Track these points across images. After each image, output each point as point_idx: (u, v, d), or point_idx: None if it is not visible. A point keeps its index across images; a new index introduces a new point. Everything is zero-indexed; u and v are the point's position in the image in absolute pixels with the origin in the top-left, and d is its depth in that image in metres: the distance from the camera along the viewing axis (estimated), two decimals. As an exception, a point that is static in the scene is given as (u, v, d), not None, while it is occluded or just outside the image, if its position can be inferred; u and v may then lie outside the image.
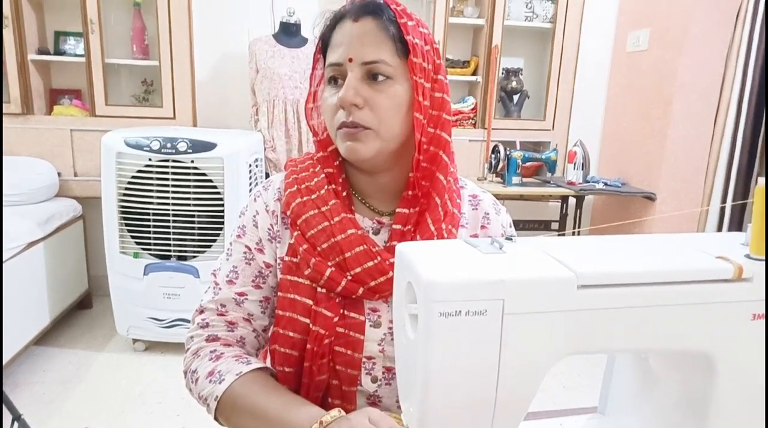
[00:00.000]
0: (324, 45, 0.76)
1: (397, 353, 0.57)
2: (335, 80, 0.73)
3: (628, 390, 0.67)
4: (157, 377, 2.21)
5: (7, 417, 1.51)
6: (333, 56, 0.73)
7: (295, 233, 0.77)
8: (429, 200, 0.76)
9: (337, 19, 0.75)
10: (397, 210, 0.77)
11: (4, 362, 1.93)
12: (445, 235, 0.76)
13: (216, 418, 0.72)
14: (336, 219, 0.75)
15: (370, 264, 0.74)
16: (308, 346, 0.74)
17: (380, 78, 0.71)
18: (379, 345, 0.76)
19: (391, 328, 0.76)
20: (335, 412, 0.63)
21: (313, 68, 0.80)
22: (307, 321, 0.75)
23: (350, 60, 0.70)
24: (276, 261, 0.80)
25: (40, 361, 2.28)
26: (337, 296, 0.75)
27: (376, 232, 0.80)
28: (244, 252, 0.80)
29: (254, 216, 0.81)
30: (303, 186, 0.78)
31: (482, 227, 0.83)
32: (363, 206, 0.81)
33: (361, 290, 0.74)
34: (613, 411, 0.70)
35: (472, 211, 0.83)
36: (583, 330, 0.49)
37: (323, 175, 0.79)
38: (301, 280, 0.76)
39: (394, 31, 0.71)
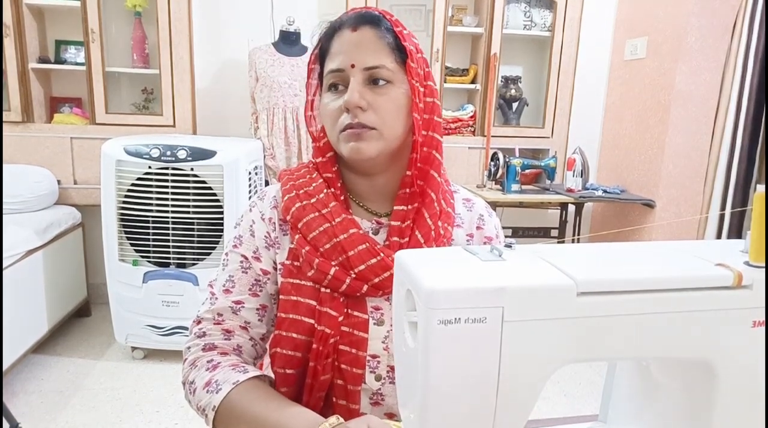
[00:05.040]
0: (321, 54, 0.79)
1: (397, 361, 0.57)
2: (335, 86, 0.76)
3: (629, 398, 0.66)
4: (156, 385, 2.20)
5: (5, 426, 1.50)
6: (333, 63, 0.75)
7: (297, 236, 0.78)
8: (424, 196, 0.79)
9: (334, 29, 0.77)
10: (395, 207, 0.80)
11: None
12: (441, 232, 0.79)
13: None
14: (337, 219, 0.77)
15: (373, 261, 0.75)
16: (313, 346, 0.75)
17: (381, 82, 0.74)
18: (383, 342, 0.77)
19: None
20: (333, 419, 0.63)
21: (309, 77, 0.82)
22: (312, 321, 0.75)
23: (352, 66, 0.73)
24: (276, 267, 0.81)
25: (38, 370, 2.27)
26: (340, 295, 0.76)
27: (375, 232, 0.82)
28: (241, 261, 0.81)
29: (251, 226, 0.82)
30: (302, 191, 0.80)
31: (478, 228, 0.86)
32: (360, 209, 0.83)
33: (365, 287, 0.76)
34: (614, 419, 0.69)
35: (467, 213, 0.86)
36: (583, 338, 0.49)
37: (321, 180, 0.81)
38: (303, 282, 0.77)
39: (390, 39, 0.75)
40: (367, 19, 0.75)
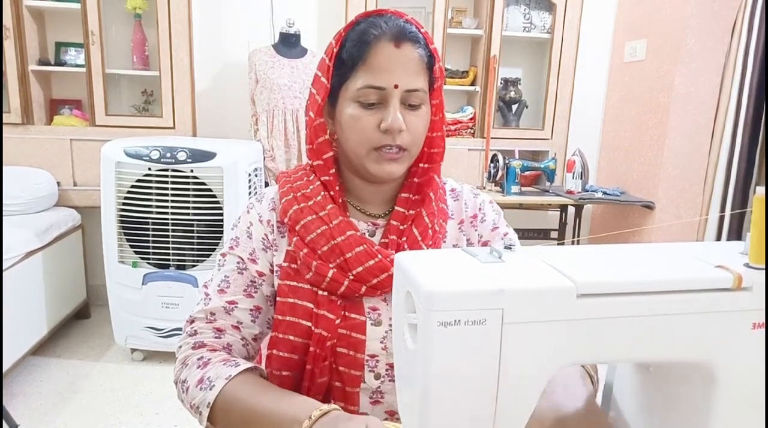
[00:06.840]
0: (351, 60, 0.74)
1: (397, 363, 0.57)
2: (370, 102, 0.74)
3: (629, 400, 0.66)
4: (155, 387, 2.19)
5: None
6: (374, 79, 0.73)
7: (294, 239, 0.78)
8: (424, 196, 0.82)
9: (372, 37, 0.73)
10: (396, 208, 0.82)
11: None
12: (437, 229, 0.82)
13: (209, 426, 0.71)
14: (335, 222, 0.78)
15: (371, 262, 0.76)
16: (311, 349, 0.75)
17: (415, 104, 0.75)
18: (381, 342, 0.78)
19: (392, 325, 0.77)
20: (326, 407, 0.63)
21: (327, 77, 0.77)
22: (309, 324, 0.76)
23: (396, 86, 0.73)
24: (272, 269, 0.81)
25: (37, 372, 2.27)
26: (338, 298, 0.77)
27: (372, 234, 0.83)
28: (238, 263, 0.81)
29: (248, 228, 0.82)
30: (299, 193, 0.80)
31: (473, 217, 0.87)
32: (357, 212, 0.84)
33: (363, 289, 0.76)
34: (614, 421, 0.69)
35: (454, 203, 0.88)
36: (582, 340, 0.49)
37: (318, 183, 0.81)
38: (300, 285, 0.78)
39: (426, 59, 0.76)
40: (409, 36, 0.74)
